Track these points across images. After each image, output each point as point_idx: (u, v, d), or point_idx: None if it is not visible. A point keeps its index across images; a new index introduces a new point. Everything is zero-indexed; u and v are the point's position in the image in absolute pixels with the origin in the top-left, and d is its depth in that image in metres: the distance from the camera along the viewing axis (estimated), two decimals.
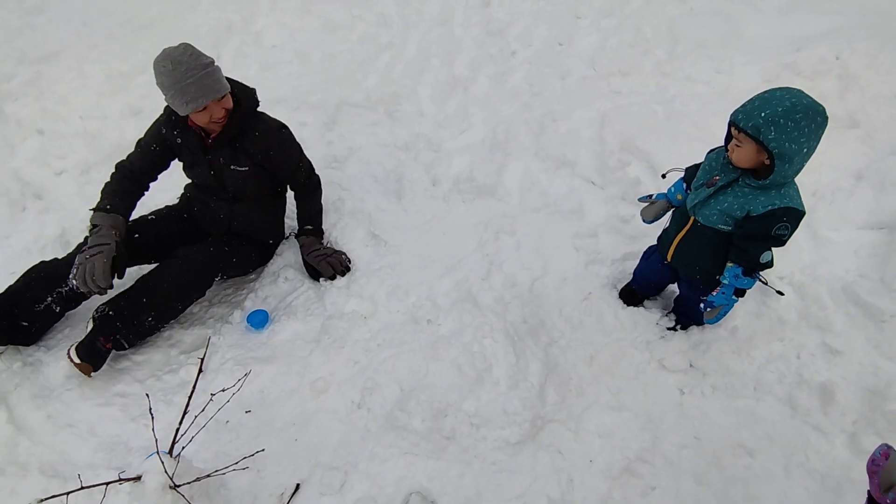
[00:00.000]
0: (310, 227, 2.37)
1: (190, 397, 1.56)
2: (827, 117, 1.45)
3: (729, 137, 1.59)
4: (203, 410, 1.68)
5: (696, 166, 1.83)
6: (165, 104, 2.03)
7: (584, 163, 2.87)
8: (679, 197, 1.91)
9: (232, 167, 2.14)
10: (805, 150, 1.45)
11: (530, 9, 4.28)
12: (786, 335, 2.10)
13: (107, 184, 2.12)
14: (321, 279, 2.32)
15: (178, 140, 2.09)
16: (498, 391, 1.87)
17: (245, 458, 1.62)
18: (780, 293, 1.75)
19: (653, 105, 3.22)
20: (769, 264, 1.64)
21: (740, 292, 1.70)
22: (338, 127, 3.19)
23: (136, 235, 2.16)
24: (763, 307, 2.15)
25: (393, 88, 3.45)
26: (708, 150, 1.81)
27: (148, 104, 3.36)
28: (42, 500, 1.29)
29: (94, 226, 2.00)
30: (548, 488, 1.71)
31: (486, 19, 4.19)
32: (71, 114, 3.30)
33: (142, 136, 2.17)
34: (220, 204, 2.24)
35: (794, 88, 1.46)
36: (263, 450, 1.70)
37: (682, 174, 1.91)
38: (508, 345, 1.99)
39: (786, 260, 2.30)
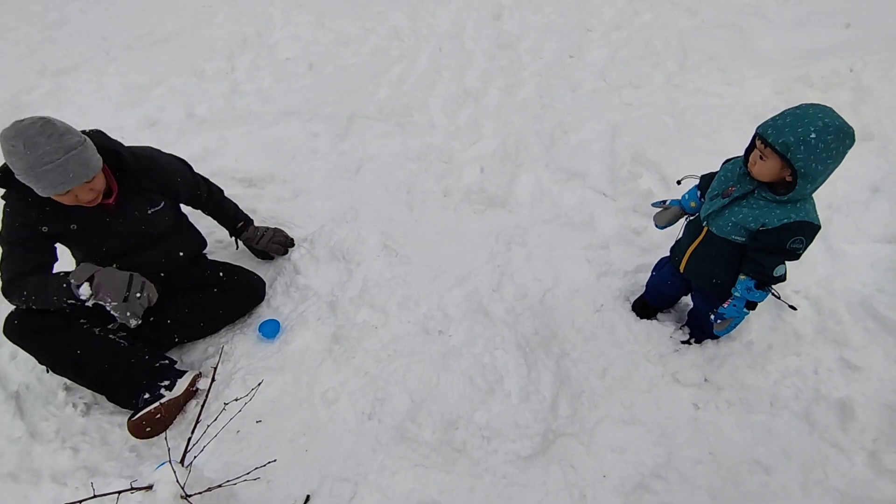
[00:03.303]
0: (241, 223, 2.40)
1: (202, 406, 1.56)
2: (855, 139, 1.42)
3: (751, 148, 1.57)
4: (215, 420, 1.68)
5: (712, 175, 1.82)
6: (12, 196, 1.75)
7: (596, 174, 2.87)
8: (693, 204, 1.90)
9: (150, 211, 1.96)
10: (829, 171, 1.44)
11: (541, 22, 4.32)
12: (802, 350, 2.06)
13: (31, 287, 1.77)
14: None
15: (73, 226, 1.82)
16: (509, 403, 1.86)
17: (257, 468, 1.61)
18: (794, 308, 1.72)
19: (664, 117, 3.23)
20: (782, 278, 1.62)
21: (752, 305, 1.68)
22: (350, 138, 3.22)
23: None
24: (778, 321, 2.12)
25: (404, 100, 3.48)
26: (722, 160, 1.80)
27: (164, 116, 3.42)
28: None
29: (88, 280, 1.75)
30: (560, 503, 1.69)
31: (497, 32, 4.24)
32: (90, 125, 3.34)
33: None
34: (152, 254, 2.05)
35: (825, 106, 1.43)
36: (275, 460, 1.70)
37: (696, 181, 1.90)
38: (520, 356, 1.98)
39: (801, 273, 2.28)
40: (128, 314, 1.81)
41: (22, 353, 2.09)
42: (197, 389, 1.98)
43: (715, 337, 2.07)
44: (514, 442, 1.78)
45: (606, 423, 1.90)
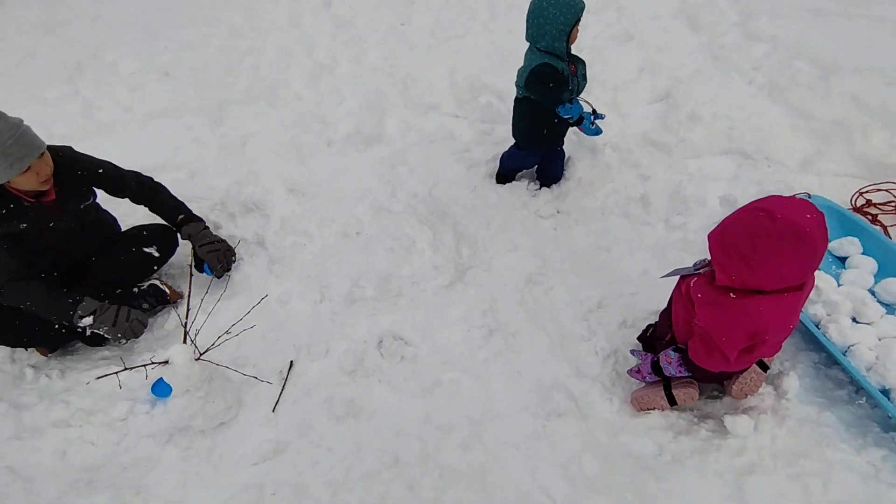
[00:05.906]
0: (182, 216, 2.54)
1: (188, 294, 2.05)
2: None
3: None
4: (196, 316, 2.15)
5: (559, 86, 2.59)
6: None
7: (446, 103, 3.73)
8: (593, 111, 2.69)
9: (83, 206, 2.30)
10: None
11: (369, 2, 5.12)
12: (614, 177, 3.08)
13: (35, 300, 2.12)
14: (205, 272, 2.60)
15: (22, 225, 2.09)
16: (425, 257, 2.59)
17: (242, 318, 2.15)
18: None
19: (488, 54, 4.20)
20: None
21: None
22: (226, 122, 3.70)
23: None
24: (595, 161, 3.12)
25: (266, 83, 4.04)
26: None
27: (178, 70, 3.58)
28: (98, 378, 1.71)
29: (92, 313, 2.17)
30: (480, 305, 2.45)
31: (332, 16, 4.95)
32: None
33: None
34: (88, 243, 2.40)
35: None
36: (254, 326, 2.24)
37: (583, 106, 2.61)
38: (425, 227, 2.71)
39: (606, 131, 3.32)
40: (119, 336, 2.24)
41: None
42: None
43: (558, 180, 3.00)
44: (436, 279, 2.51)
45: (498, 255, 2.71)
